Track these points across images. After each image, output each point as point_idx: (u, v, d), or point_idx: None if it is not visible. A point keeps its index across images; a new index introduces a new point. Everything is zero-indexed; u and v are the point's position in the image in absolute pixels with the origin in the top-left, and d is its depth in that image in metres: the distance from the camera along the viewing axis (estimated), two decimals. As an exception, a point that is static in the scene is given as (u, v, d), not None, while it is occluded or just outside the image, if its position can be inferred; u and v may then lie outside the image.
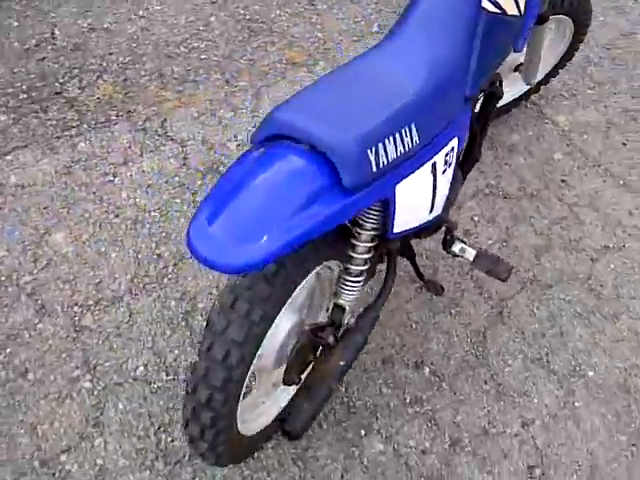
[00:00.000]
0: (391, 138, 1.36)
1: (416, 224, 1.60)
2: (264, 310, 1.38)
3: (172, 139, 2.57)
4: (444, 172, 1.59)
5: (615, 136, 2.72)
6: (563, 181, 2.54)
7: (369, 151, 1.31)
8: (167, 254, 2.24)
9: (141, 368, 1.97)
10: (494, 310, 2.15)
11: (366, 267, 1.60)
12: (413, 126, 1.40)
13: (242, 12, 3.11)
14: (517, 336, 2.10)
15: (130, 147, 2.53)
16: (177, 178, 2.45)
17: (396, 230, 1.51)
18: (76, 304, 2.09)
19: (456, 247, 1.87)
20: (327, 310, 1.72)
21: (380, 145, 1.33)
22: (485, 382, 2.00)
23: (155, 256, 2.23)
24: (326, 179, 1.30)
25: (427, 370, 2.01)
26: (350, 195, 1.31)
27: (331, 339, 1.60)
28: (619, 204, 2.49)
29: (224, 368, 1.37)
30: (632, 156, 2.66)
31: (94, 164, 2.46)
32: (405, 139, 1.39)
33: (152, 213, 2.34)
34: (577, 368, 2.05)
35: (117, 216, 2.32)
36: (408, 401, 1.95)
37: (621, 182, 2.57)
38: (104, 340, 2.02)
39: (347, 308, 1.61)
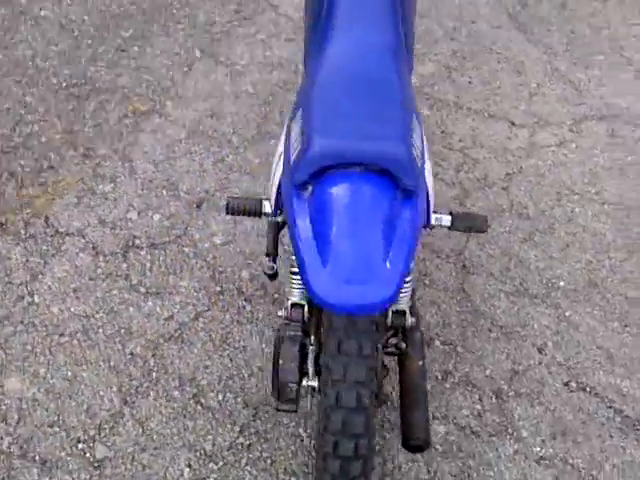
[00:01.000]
0: (412, 128, 1.35)
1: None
2: (374, 341, 1.39)
3: (67, 234, 2.29)
4: None
5: (459, 78, 2.92)
6: (442, 132, 2.68)
7: (413, 149, 1.30)
8: (139, 349, 2.02)
9: (186, 470, 1.78)
10: (458, 266, 2.24)
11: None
12: (413, 111, 1.41)
13: (55, 81, 2.82)
14: (489, 279, 2.22)
15: (28, 260, 2.21)
16: (99, 270, 2.20)
17: (432, 217, 1.52)
18: (78, 441, 1.82)
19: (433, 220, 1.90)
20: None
21: (411, 139, 1.32)
22: (489, 330, 2.10)
23: (129, 356, 2.00)
24: (397, 192, 1.29)
25: (438, 343, 2.05)
26: (416, 197, 1.31)
27: (403, 345, 1.57)
28: (496, 133, 2.70)
29: (361, 413, 1.36)
30: (481, 90, 2.88)
31: (1, 293, 2.12)
32: (416, 126, 1.39)
33: (97, 315, 2.08)
34: (549, 284, 2.23)
35: (62, 334, 2.04)
36: (440, 378, 1.98)
37: (485, 115, 2.78)
38: (131, 462, 1.79)
39: (407, 310, 1.58)
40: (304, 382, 1.54)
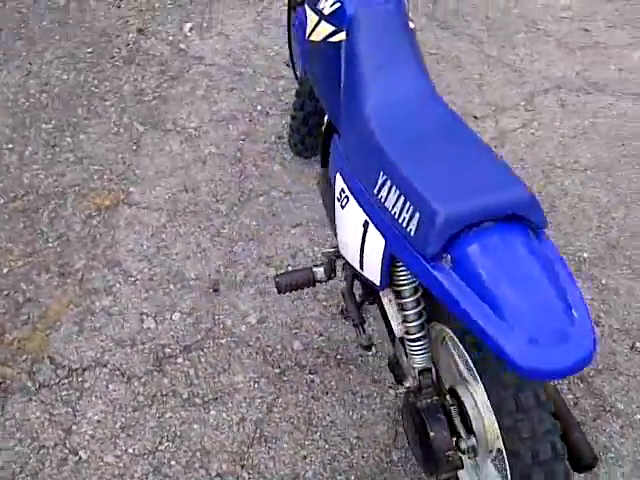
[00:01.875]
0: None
1: None
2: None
3: (84, 368, 1.93)
4: None
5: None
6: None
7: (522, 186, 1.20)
8: (225, 466, 1.72)
9: None
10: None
11: None
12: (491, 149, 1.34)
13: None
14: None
15: (51, 414, 1.82)
16: (140, 397, 1.85)
17: None
18: None
19: None
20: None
21: None
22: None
23: (217, 478, 1.68)
24: (531, 234, 1.17)
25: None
26: (544, 233, 1.20)
27: None
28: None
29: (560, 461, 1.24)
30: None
31: (37, 463, 1.71)
32: None
33: (161, 447, 1.75)
34: (575, 258, 2.20)
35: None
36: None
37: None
38: None
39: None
40: (463, 445, 1.38)
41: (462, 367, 1.49)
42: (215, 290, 2.12)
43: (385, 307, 1.61)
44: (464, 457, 1.41)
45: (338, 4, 1.50)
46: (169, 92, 2.79)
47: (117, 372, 1.91)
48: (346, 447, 1.78)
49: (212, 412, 1.83)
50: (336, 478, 1.71)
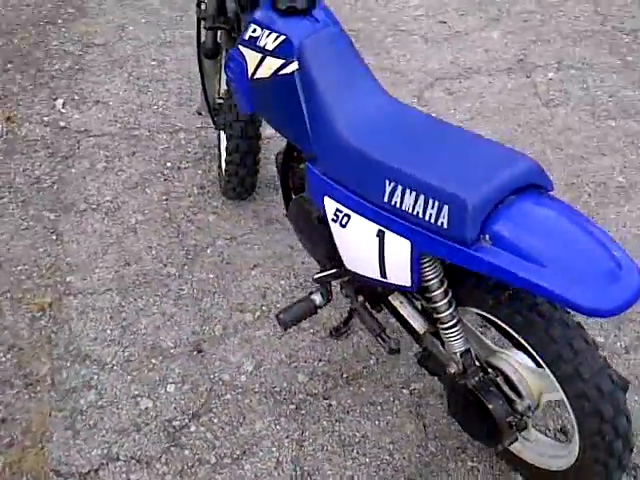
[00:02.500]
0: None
1: None
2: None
3: (94, 470, 1.85)
4: None
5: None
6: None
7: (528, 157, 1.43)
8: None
9: None
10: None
11: None
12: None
13: None
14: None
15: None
16: (167, 477, 1.82)
17: None
18: None
19: None
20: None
21: None
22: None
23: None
24: (549, 197, 1.38)
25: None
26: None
27: None
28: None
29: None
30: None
31: None
32: None
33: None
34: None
35: None
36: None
37: None
38: None
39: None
40: (519, 407, 1.55)
41: (487, 341, 1.66)
42: (199, 351, 2.13)
43: (399, 310, 1.73)
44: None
45: (282, 37, 1.62)
46: (68, 172, 2.76)
47: (133, 461, 1.87)
48: (385, 454, 1.87)
49: (246, 466, 1.85)
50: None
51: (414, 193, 1.37)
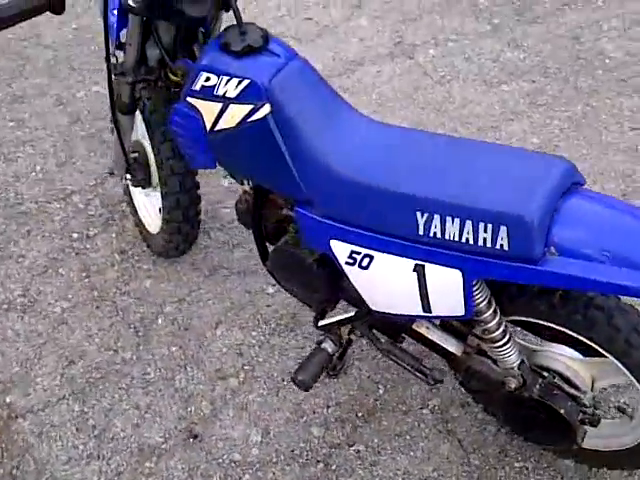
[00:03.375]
0: None
1: None
2: None
3: None
4: None
5: None
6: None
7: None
8: None
9: None
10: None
11: None
12: None
13: None
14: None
15: None
16: None
17: None
18: None
19: None
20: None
21: None
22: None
23: None
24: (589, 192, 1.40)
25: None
26: None
27: None
28: None
29: None
30: None
31: None
32: None
33: None
34: None
35: None
36: None
37: None
38: None
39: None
40: (586, 401, 1.56)
41: (526, 343, 1.64)
42: (195, 437, 1.92)
43: (427, 336, 1.66)
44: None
45: (246, 81, 1.45)
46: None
47: None
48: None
49: None
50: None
51: (457, 220, 1.30)
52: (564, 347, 1.57)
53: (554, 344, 1.58)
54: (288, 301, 2.24)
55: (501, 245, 1.27)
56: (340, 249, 1.50)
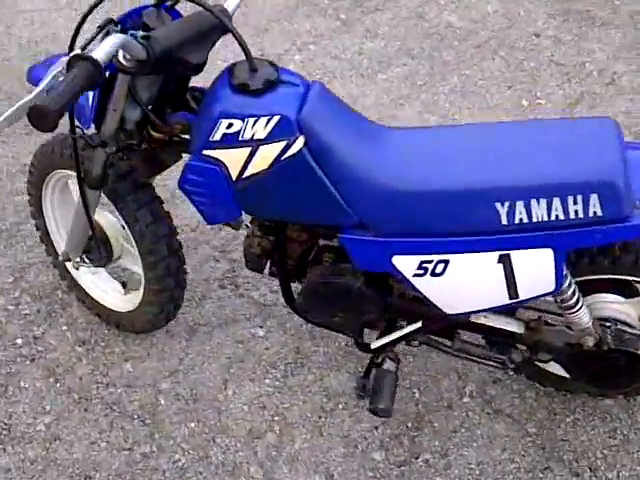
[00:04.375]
0: None
1: None
2: None
3: None
4: None
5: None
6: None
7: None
8: None
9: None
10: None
11: None
12: None
13: None
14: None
15: None
16: None
17: None
18: None
19: None
20: None
21: None
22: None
23: None
24: None
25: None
26: None
27: None
28: None
29: None
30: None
31: None
32: None
33: None
34: None
35: None
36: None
37: None
38: None
39: None
40: None
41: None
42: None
43: (487, 324, 1.69)
44: None
45: (276, 118, 1.39)
46: None
47: None
48: (509, 464, 1.88)
49: None
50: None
51: (543, 201, 1.35)
52: (607, 295, 1.70)
53: (598, 295, 1.70)
54: (283, 338, 2.18)
55: (594, 212, 1.35)
56: (405, 263, 1.49)
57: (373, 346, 1.76)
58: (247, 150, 1.44)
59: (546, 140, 1.45)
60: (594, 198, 1.34)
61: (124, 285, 2.12)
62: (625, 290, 1.68)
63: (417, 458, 1.90)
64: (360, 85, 3.13)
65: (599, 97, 2.89)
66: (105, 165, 1.64)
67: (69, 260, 1.97)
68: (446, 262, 1.47)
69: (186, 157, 1.69)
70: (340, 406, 2.01)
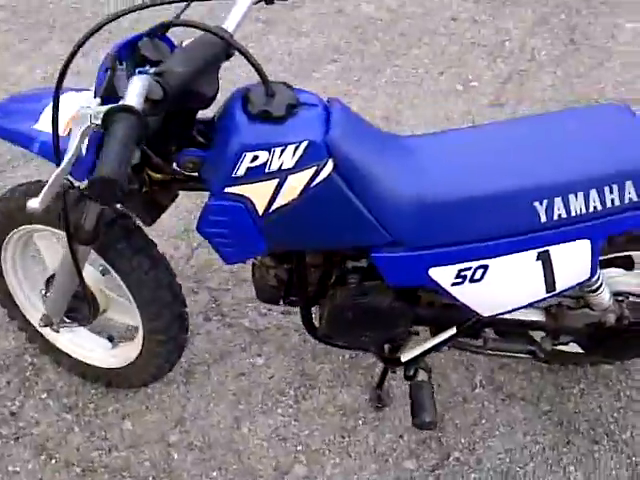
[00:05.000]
0: None
1: None
2: None
3: None
4: None
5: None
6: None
7: None
8: None
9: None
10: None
11: None
12: None
13: None
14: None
15: None
16: None
17: None
18: None
19: None
20: None
21: None
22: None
23: None
24: None
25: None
26: None
27: None
28: None
29: None
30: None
31: None
32: None
33: None
34: None
35: None
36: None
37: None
38: None
39: None
40: None
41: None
42: None
43: (514, 318, 1.71)
44: None
45: (304, 144, 1.31)
46: None
47: None
48: (541, 438, 1.95)
49: None
50: None
51: (580, 194, 1.40)
52: (613, 269, 1.77)
53: (605, 270, 1.77)
54: (285, 362, 2.12)
55: (630, 199, 1.41)
56: (443, 274, 1.49)
57: (404, 359, 1.75)
58: (275, 182, 1.36)
59: (562, 133, 1.49)
60: (629, 185, 1.40)
61: (110, 339, 1.97)
62: (626, 263, 1.77)
63: (448, 458, 1.92)
64: (297, 86, 3.05)
65: (525, 74, 3.02)
66: (99, 218, 1.50)
67: (51, 324, 1.80)
68: (485, 267, 1.48)
69: (182, 195, 1.61)
70: (360, 422, 1.99)
